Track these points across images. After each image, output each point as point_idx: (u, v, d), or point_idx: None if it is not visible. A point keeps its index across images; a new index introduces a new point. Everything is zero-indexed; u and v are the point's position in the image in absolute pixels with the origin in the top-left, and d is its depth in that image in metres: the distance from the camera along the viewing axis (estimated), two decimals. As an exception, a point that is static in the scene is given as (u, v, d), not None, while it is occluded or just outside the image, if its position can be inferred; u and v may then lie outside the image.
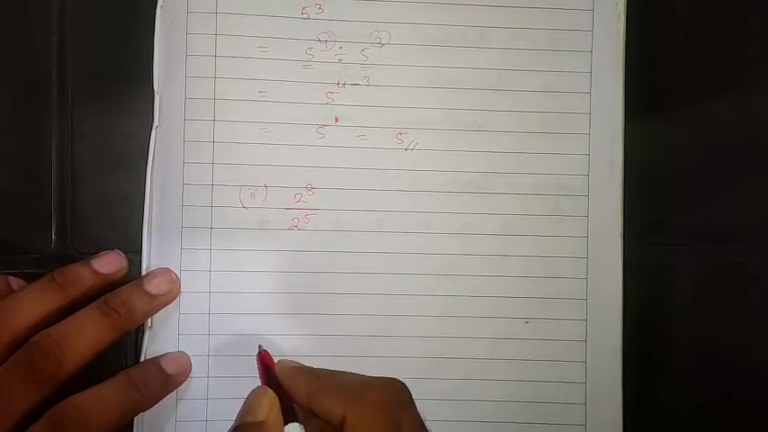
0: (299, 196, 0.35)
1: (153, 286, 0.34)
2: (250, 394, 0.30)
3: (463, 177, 0.36)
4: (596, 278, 0.36)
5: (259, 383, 0.32)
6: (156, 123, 0.35)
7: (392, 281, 0.35)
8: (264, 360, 0.33)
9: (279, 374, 0.31)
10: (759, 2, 0.38)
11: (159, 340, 0.34)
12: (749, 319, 0.38)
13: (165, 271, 0.34)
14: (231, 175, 0.35)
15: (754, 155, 0.38)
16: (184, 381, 0.34)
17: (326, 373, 0.31)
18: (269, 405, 0.29)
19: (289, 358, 0.33)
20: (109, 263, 0.34)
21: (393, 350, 0.35)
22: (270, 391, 0.30)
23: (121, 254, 0.34)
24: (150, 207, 0.35)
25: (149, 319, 0.34)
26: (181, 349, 0.35)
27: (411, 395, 0.30)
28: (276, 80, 0.35)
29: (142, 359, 0.34)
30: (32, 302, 0.32)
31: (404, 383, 0.30)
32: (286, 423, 0.29)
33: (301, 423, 0.29)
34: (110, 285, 0.34)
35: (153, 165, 0.35)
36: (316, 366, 0.32)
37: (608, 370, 0.36)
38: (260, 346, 0.33)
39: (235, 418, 0.34)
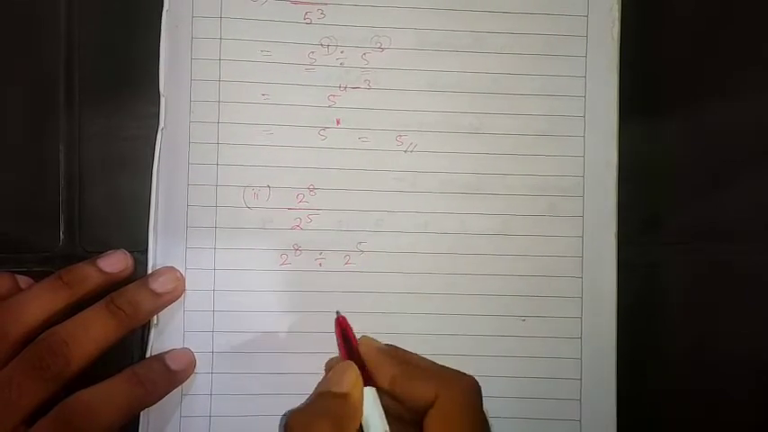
0: (301, 197, 0.36)
1: (158, 284, 0.34)
2: (334, 366, 0.32)
3: (461, 178, 0.36)
4: (591, 277, 0.36)
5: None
6: (161, 125, 0.35)
7: (391, 279, 0.36)
8: (342, 325, 0.34)
9: (363, 352, 0.33)
10: (750, 5, 0.38)
11: (164, 337, 0.35)
12: (742, 316, 0.38)
13: (170, 269, 0.35)
14: (235, 176, 0.35)
15: (745, 156, 0.38)
16: (189, 377, 0.35)
17: (412, 357, 0.33)
18: (354, 379, 0.31)
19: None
20: (115, 262, 0.34)
21: (392, 347, 0.36)
22: (355, 367, 0.32)
23: (127, 253, 0.35)
24: (156, 207, 0.35)
25: (155, 317, 0.35)
26: (185, 346, 0.35)
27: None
28: (279, 83, 0.36)
29: (148, 356, 0.35)
30: (40, 301, 0.32)
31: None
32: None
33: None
34: (116, 284, 0.34)
35: (159, 166, 0.35)
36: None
37: (602, 366, 0.36)
38: (337, 312, 0.35)
39: (236, 412, 0.35)
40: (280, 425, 0.34)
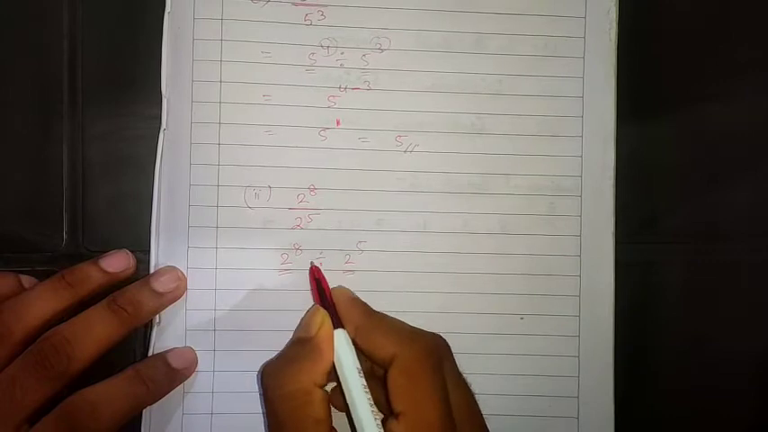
0: (301, 197, 0.36)
1: (160, 284, 0.34)
2: (306, 313, 0.33)
3: (460, 178, 0.37)
4: (589, 275, 0.37)
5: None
6: (163, 126, 0.35)
7: (390, 278, 0.36)
8: (315, 274, 0.34)
9: (335, 299, 0.34)
10: (745, 8, 0.38)
11: (167, 336, 0.35)
12: (737, 314, 0.38)
13: (172, 269, 0.35)
14: (236, 177, 0.36)
15: (740, 156, 0.38)
16: (191, 375, 0.35)
17: (379, 313, 0.33)
18: (320, 322, 0.32)
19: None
20: (117, 262, 0.34)
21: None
22: (321, 309, 0.33)
23: (129, 253, 0.35)
24: (158, 207, 0.35)
25: (157, 316, 0.35)
26: (187, 344, 0.35)
27: (451, 350, 0.32)
28: (280, 84, 0.36)
29: (150, 354, 0.35)
30: (43, 300, 0.33)
31: (445, 339, 0.32)
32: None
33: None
34: (118, 283, 0.34)
35: (161, 166, 0.35)
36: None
37: (600, 364, 0.36)
38: (312, 263, 0.35)
39: (238, 410, 0.35)
40: (257, 378, 0.35)
